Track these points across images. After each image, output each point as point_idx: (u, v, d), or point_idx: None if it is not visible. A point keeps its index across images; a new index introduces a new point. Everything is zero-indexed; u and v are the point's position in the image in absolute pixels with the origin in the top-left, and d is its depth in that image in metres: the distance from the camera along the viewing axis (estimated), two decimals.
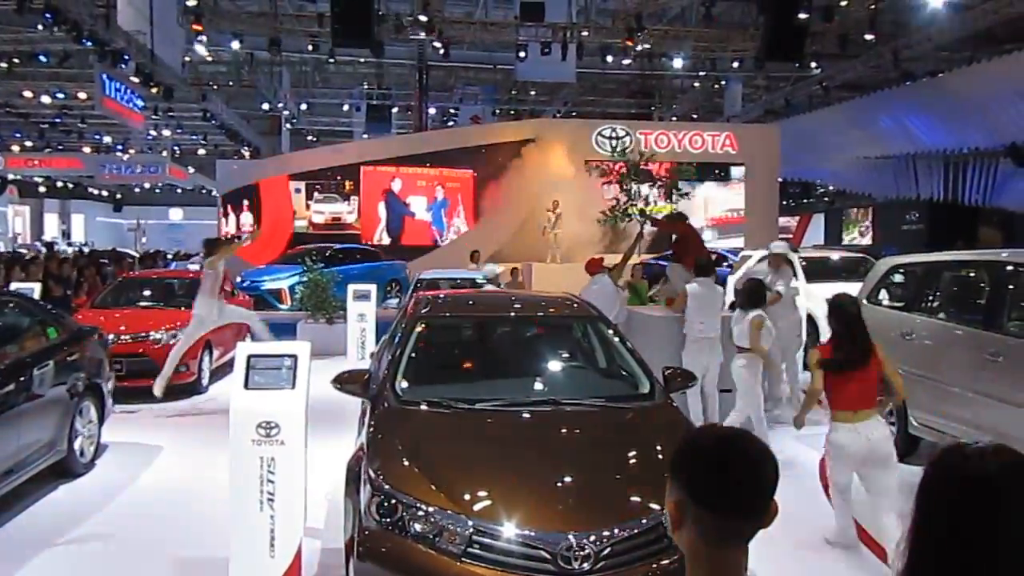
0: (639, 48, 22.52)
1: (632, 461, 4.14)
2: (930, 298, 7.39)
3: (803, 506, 5.30)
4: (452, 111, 33.65)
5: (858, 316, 4.91)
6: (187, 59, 24.79)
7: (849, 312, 4.91)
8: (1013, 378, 5.87)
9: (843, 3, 18.85)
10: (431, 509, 3.60)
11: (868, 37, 21.28)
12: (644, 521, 3.57)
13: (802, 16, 18.32)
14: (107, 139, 38.93)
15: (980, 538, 1.37)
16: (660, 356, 6.93)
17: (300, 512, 4.25)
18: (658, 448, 4.16)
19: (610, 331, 5.38)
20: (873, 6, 18.86)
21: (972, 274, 7.37)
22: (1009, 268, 6.48)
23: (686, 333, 7.70)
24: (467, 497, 3.67)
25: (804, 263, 11.97)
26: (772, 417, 7.82)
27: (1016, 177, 25.85)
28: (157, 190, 46.58)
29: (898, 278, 8.06)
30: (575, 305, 5.84)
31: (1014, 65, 20.03)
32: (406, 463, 3.96)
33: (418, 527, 3.59)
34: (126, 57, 19.39)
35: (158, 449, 7.50)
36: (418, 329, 5.24)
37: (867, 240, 33.01)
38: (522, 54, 22.27)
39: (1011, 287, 6.37)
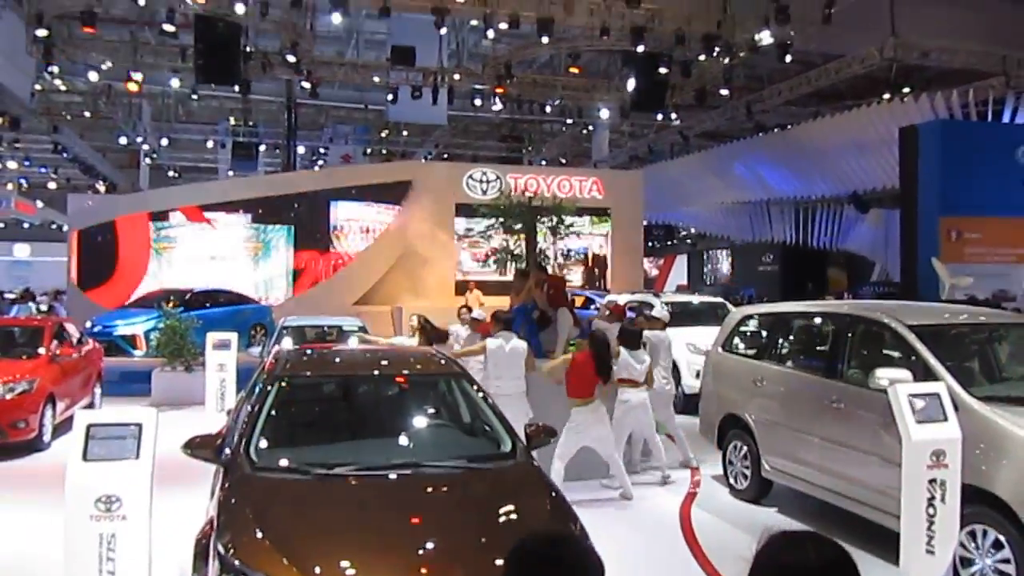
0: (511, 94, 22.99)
1: (492, 524, 4.11)
2: (779, 346, 7.77)
3: (662, 551, 5.39)
4: (322, 150, 33.18)
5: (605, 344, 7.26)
6: (38, 88, 23.45)
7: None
8: (852, 424, 6.23)
9: (701, 59, 19.96)
10: None
11: (723, 92, 22.53)
12: None
13: (663, 71, 19.37)
14: None
15: None
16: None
17: None
18: (513, 510, 4.15)
19: (474, 388, 5.36)
20: (727, 62, 20.07)
21: (816, 324, 7.80)
22: (848, 319, 6.91)
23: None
24: (319, 571, 3.54)
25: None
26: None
27: (858, 222, 27.89)
28: (1, 225, 43.57)
29: (751, 326, 8.43)
30: (441, 361, 5.79)
31: (854, 120, 21.71)
32: (258, 535, 3.78)
33: None
34: None
35: None
36: (276, 389, 5.04)
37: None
38: (393, 96, 22.32)
39: (850, 337, 6.79)
